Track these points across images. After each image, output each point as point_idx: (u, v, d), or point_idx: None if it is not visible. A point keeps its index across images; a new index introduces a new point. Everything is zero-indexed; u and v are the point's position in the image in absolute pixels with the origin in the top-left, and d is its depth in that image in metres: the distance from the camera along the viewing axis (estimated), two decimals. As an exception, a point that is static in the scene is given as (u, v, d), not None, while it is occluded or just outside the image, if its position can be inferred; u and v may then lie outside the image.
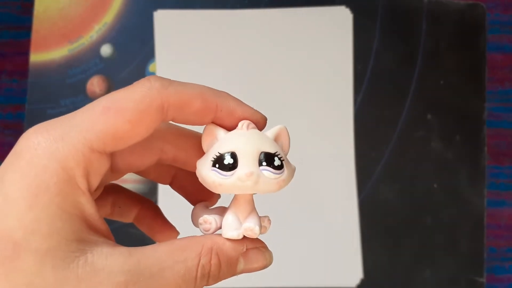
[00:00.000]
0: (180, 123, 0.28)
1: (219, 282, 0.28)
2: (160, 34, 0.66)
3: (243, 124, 0.28)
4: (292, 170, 0.28)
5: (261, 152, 0.26)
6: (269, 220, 0.29)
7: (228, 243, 0.27)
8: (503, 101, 0.69)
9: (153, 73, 0.65)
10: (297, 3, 0.67)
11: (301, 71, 0.66)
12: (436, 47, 0.66)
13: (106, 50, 0.66)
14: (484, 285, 0.62)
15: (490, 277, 0.65)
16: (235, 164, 0.26)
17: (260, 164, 0.26)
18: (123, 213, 0.34)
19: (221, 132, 0.28)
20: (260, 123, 0.29)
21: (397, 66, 0.66)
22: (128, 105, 0.26)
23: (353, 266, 0.62)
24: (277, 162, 0.27)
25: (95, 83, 0.65)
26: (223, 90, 0.28)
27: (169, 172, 0.34)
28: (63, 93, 0.65)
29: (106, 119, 0.25)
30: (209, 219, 0.28)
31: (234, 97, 0.29)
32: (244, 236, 0.28)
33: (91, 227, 0.25)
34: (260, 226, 0.27)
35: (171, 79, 0.27)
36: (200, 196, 0.33)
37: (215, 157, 0.27)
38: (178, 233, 0.35)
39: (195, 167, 0.28)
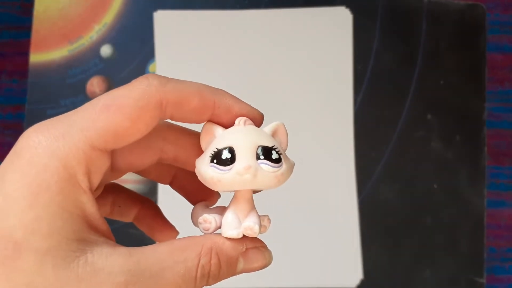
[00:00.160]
0: (178, 121, 0.28)
1: (219, 282, 0.28)
2: (160, 34, 0.66)
3: (240, 121, 0.28)
4: (291, 165, 0.28)
5: (258, 146, 0.26)
6: (268, 219, 0.29)
7: (228, 243, 0.27)
8: (503, 101, 0.69)
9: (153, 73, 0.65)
10: (297, 3, 0.67)
11: (301, 71, 0.66)
12: (436, 47, 0.66)
13: (106, 50, 0.66)
14: (484, 285, 0.62)
15: (490, 277, 0.65)
16: (233, 159, 0.26)
17: (258, 158, 0.26)
18: (123, 212, 0.34)
19: (218, 130, 0.28)
20: (257, 120, 0.29)
21: (397, 66, 0.66)
22: (127, 102, 0.26)
23: (353, 266, 0.62)
24: (274, 155, 0.27)
25: (95, 84, 0.65)
26: (220, 88, 0.29)
27: (169, 172, 0.34)
28: (63, 93, 0.65)
29: (106, 117, 0.25)
30: (208, 218, 0.28)
31: (231, 94, 0.29)
32: (244, 236, 0.28)
33: (92, 227, 0.25)
34: (260, 225, 0.27)
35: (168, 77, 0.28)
36: (200, 196, 0.33)
37: (213, 152, 0.27)
38: (177, 232, 0.35)
39: (195, 166, 0.28)
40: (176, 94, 0.27)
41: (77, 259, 0.24)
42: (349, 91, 0.65)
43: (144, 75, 0.27)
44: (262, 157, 0.26)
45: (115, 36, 0.66)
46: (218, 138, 0.27)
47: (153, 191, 0.62)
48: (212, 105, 0.28)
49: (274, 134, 0.28)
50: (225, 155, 0.26)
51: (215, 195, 0.34)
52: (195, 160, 0.29)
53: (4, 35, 0.70)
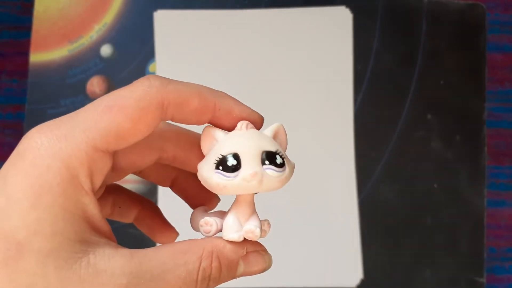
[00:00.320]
0: (179, 122, 0.28)
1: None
2: (160, 34, 0.66)
3: (242, 125, 0.28)
4: (292, 167, 0.28)
5: (263, 151, 0.27)
6: (269, 224, 0.29)
7: (228, 246, 0.27)
8: (503, 101, 0.69)
9: (153, 73, 0.65)
10: (297, 3, 0.67)
11: (301, 71, 0.66)
12: (436, 47, 0.66)
13: (106, 50, 0.66)
14: (484, 285, 0.62)
15: (490, 277, 0.65)
16: (239, 165, 0.26)
17: (263, 163, 0.26)
18: (124, 213, 0.34)
19: (220, 134, 0.28)
20: (258, 123, 0.29)
21: (397, 66, 0.66)
22: (129, 103, 0.26)
23: (353, 266, 0.62)
24: (279, 160, 0.27)
25: (95, 83, 0.65)
26: (221, 90, 0.29)
27: (169, 175, 0.34)
28: (63, 93, 0.65)
29: (108, 118, 0.26)
30: (210, 221, 0.28)
31: (231, 96, 0.29)
32: (244, 239, 0.28)
33: (94, 228, 0.25)
34: (261, 229, 0.28)
35: (171, 78, 0.28)
36: (200, 200, 0.33)
37: (218, 159, 0.27)
38: (177, 233, 0.35)
39: (195, 167, 0.28)
40: (177, 95, 0.27)
41: (79, 260, 0.24)
42: (349, 91, 0.65)
43: (146, 76, 0.27)
44: (267, 162, 0.26)
45: (115, 36, 0.66)
46: (220, 143, 0.27)
47: (153, 191, 0.62)
48: (213, 107, 0.28)
49: (274, 136, 0.28)
50: (231, 161, 0.26)
51: (214, 199, 0.34)
52: (194, 160, 0.29)
53: (4, 35, 0.70)
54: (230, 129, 0.28)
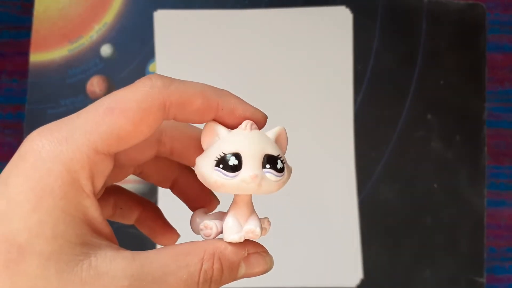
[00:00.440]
0: (181, 121, 0.28)
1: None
2: (160, 34, 0.66)
3: (246, 125, 0.27)
4: (290, 171, 0.28)
5: (265, 155, 0.27)
6: (268, 221, 0.29)
7: (230, 248, 0.27)
8: (503, 101, 0.69)
9: (153, 73, 0.65)
10: (297, 3, 0.67)
11: (301, 71, 0.66)
12: (436, 47, 0.66)
13: (106, 50, 0.66)
14: (484, 285, 0.62)
15: (490, 277, 0.65)
16: (239, 166, 0.26)
17: (264, 166, 0.26)
18: (125, 214, 0.34)
19: (222, 130, 0.28)
20: (261, 122, 0.29)
21: (397, 66, 0.66)
22: (130, 105, 0.26)
23: (353, 266, 0.62)
24: (279, 165, 0.27)
25: (95, 83, 0.65)
26: (224, 89, 0.28)
27: (170, 176, 0.34)
28: (63, 93, 0.65)
29: (109, 120, 0.25)
30: (209, 224, 0.28)
31: (235, 95, 0.29)
32: (245, 240, 0.28)
33: (95, 230, 0.25)
34: (261, 228, 0.28)
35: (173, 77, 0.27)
36: (200, 202, 0.33)
37: (219, 157, 0.26)
38: (178, 235, 0.35)
39: (192, 160, 0.28)
40: (179, 96, 0.27)
41: (81, 263, 0.24)
42: (349, 91, 0.65)
43: (147, 76, 0.27)
44: (268, 166, 0.26)
45: (115, 36, 0.66)
46: (223, 141, 0.27)
47: (153, 191, 0.62)
48: (216, 107, 0.28)
49: (276, 139, 0.28)
50: (232, 161, 0.26)
51: (214, 201, 0.34)
52: (191, 153, 0.29)
53: (4, 35, 0.70)
54: (233, 127, 0.28)
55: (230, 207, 0.28)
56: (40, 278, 0.23)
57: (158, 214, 0.35)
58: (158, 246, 0.27)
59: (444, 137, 0.65)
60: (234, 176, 0.26)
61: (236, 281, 0.29)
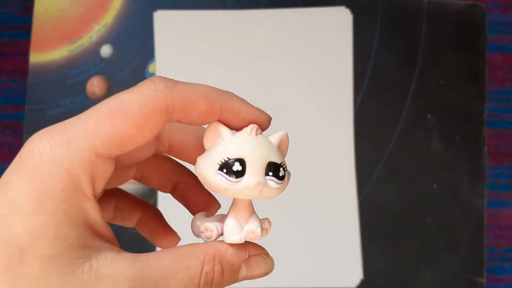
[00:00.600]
0: (184, 123, 0.28)
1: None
2: (160, 35, 0.66)
3: (252, 129, 0.27)
4: (289, 176, 0.28)
5: (269, 162, 0.27)
6: (269, 222, 0.29)
7: (230, 250, 0.27)
8: (503, 101, 0.69)
9: (153, 74, 0.65)
10: (297, 3, 0.67)
11: (301, 71, 0.66)
12: (436, 47, 0.66)
13: (106, 50, 0.66)
14: (484, 286, 0.62)
15: (490, 277, 0.65)
16: (243, 172, 0.26)
17: (267, 173, 0.26)
18: (125, 217, 0.34)
19: (226, 132, 0.28)
20: (265, 124, 0.29)
21: (397, 66, 0.66)
22: (133, 109, 0.26)
23: (353, 266, 0.62)
24: (282, 172, 0.27)
25: (95, 84, 0.65)
26: (228, 90, 0.28)
27: (170, 180, 0.34)
28: (63, 93, 0.65)
29: (111, 124, 0.25)
30: (210, 227, 0.28)
31: (239, 97, 0.28)
32: (246, 242, 0.28)
33: (96, 233, 0.25)
34: (262, 228, 0.28)
35: (174, 79, 0.27)
36: (200, 206, 0.33)
37: (223, 161, 0.26)
38: (179, 238, 0.35)
39: (190, 156, 0.28)
40: (182, 99, 0.26)
41: (82, 265, 0.24)
42: (349, 91, 0.65)
43: (150, 78, 0.27)
44: (270, 173, 0.27)
45: (115, 36, 0.66)
46: (227, 144, 0.27)
47: (153, 191, 0.62)
48: (219, 110, 0.27)
49: (279, 144, 0.28)
50: (236, 167, 0.26)
51: (215, 205, 0.34)
52: (188, 149, 0.29)
53: (4, 35, 0.70)
54: (237, 129, 0.28)
55: (230, 208, 0.28)
56: (41, 281, 0.23)
57: (158, 217, 0.35)
58: (158, 249, 0.27)
59: (444, 137, 0.65)
60: (237, 182, 0.26)
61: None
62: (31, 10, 0.66)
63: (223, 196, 0.27)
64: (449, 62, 0.66)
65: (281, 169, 0.27)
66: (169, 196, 0.35)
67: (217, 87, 0.28)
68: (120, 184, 0.32)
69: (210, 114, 0.27)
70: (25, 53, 0.66)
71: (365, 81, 0.65)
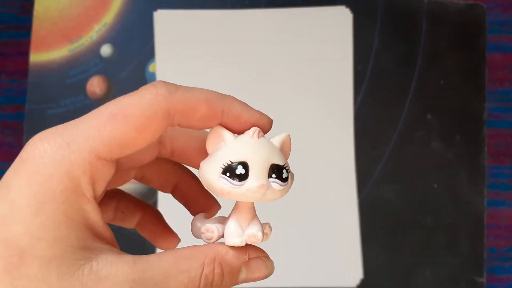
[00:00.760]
0: (186, 127, 0.28)
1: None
2: (160, 34, 0.66)
3: (254, 132, 0.27)
4: (293, 177, 0.28)
5: (272, 164, 0.27)
6: (270, 227, 0.29)
7: (231, 253, 0.27)
8: (503, 101, 0.69)
9: (153, 73, 0.65)
10: (297, 3, 0.67)
11: (301, 71, 0.66)
12: (436, 47, 0.66)
13: (106, 50, 0.66)
14: (484, 285, 0.62)
15: (490, 277, 0.65)
16: (246, 175, 0.26)
17: (270, 176, 0.27)
18: (126, 218, 0.34)
19: (228, 136, 0.28)
20: (267, 127, 0.29)
21: (397, 66, 0.66)
22: (134, 112, 0.26)
23: (353, 266, 0.62)
24: (285, 174, 0.27)
25: (95, 83, 0.65)
26: (229, 94, 0.28)
27: (171, 181, 0.34)
28: (63, 93, 0.65)
29: (112, 127, 0.25)
30: (211, 228, 0.28)
31: (240, 101, 0.28)
32: (246, 245, 0.28)
33: (96, 234, 0.25)
34: (263, 233, 0.28)
35: (174, 81, 0.27)
36: (200, 207, 0.33)
37: (226, 165, 0.26)
38: (179, 240, 0.36)
39: (192, 161, 0.28)
40: (184, 103, 0.26)
41: (82, 267, 0.24)
42: (349, 91, 0.65)
43: (152, 83, 0.27)
44: (274, 176, 0.27)
45: (115, 36, 0.66)
46: (229, 147, 0.27)
47: (153, 191, 0.62)
48: (221, 113, 0.27)
49: (281, 146, 0.28)
50: (239, 170, 0.26)
51: (215, 206, 0.34)
52: (191, 153, 0.29)
53: (4, 35, 0.70)
54: (238, 132, 0.28)
55: (232, 211, 0.28)
56: (41, 282, 0.23)
57: (159, 218, 0.35)
58: (158, 250, 0.27)
59: (444, 137, 0.65)
60: (240, 185, 0.26)
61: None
62: (31, 10, 0.66)
63: (226, 199, 0.28)
64: (449, 62, 0.66)
65: (284, 171, 0.27)
66: (169, 196, 0.35)
67: (217, 86, 0.28)
68: (121, 185, 0.32)
69: (212, 117, 0.27)
70: (25, 53, 0.66)
71: (365, 81, 0.66)
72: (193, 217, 0.31)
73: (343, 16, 0.66)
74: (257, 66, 0.66)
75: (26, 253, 0.23)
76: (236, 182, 0.26)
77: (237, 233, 0.27)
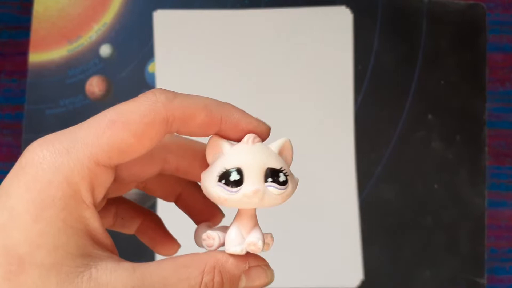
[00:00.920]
0: (184, 135, 0.28)
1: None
2: (159, 34, 0.66)
3: (248, 139, 0.28)
4: (296, 183, 0.28)
5: (267, 168, 0.27)
6: (272, 237, 0.29)
7: (231, 261, 0.27)
8: (504, 101, 0.69)
9: (152, 74, 0.65)
10: (297, 3, 0.66)
11: (301, 71, 0.66)
12: (436, 47, 0.66)
13: (105, 50, 0.66)
14: (485, 286, 0.62)
15: (491, 277, 0.65)
16: (241, 180, 0.26)
17: (266, 180, 0.26)
18: (126, 224, 0.34)
19: (226, 145, 0.28)
20: (265, 134, 0.29)
21: (397, 66, 0.66)
22: (133, 118, 0.26)
23: (353, 266, 0.62)
24: (282, 178, 0.27)
25: (94, 83, 0.65)
26: (229, 98, 0.29)
27: (174, 190, 0.34)
28: (62, 93, 0.65)
29: (111, 133, 0.25)
30: (212, 235, 0.28)
31: (238, 108, 0.29)
32: (247, 253, 0.28)
33: (96, 241, 0.25)
34: (263, 241, 0.28)
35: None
36: (204, 216, 0.33)
37: (221, 172, 0.27)
38: (179, 246, 0.36)
39: (198, 176, 0.28)
40: (182, 110, 0.27)
41: (81, 274, 0.24)
42: (349, 91, 0.65)
43: (151, 90, 0.27)
44: (270, 179, 0.27)
45: (114, 36, 0.66)
46: (225, 155, 0.27)
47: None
48: (219, 121, 0.28)
49: (280, 151, 0.28)
50: (234, 176, 0.26)
51: (219, 215, 0.34)
52: (197, 170, 0.29)
53: (4, 35, 0.70)
54: (237, 140, 0.28)
55: (234, 219, 0.28)
56: None
57: (159, 224, 0.35)
58: (159, 259, 0.27)
59: (444, 137, 0.65)
60: (236, 191, 0.26)
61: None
62: (31, 10, 0.66)
63: (229, 208, 0.28)
64: (449, 62, 0.66)
65: (281, 174, 0.27)
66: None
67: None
68: (122, 193, 0.32)
69: (210, 124, 0.28)
70: (24, 53, 0.66)
71: (365, 81, 0.65)
72: (196, 225, 0.31)
73: (343, 16, 0.66)
74: (257, 66, 0.66)
75: (25, 261, 0.23)
76: (232, 188, 0.26)
77: (237, 241, 0.27)
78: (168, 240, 0.35)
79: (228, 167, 0.27)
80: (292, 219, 0.63)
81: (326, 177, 0.64)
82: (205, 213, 0.34)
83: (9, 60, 0.69)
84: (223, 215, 0.34)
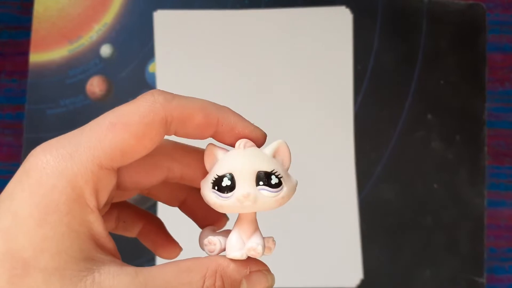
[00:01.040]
0: (182, 137, 0.28)
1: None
2: (160, 34, 0.66)
3: (240, 143, 0.28)
4: (293, 186, 0.28)
5: (258, 171, 0.27)
6: (273, 241, 0.29)
7: (232, 266, 0.28)
8: (504, 101, 0.69)
9: (153, 74, 0.65)
10: (297, 3, 0.67)
11: (301, 71, 0.66)
12: (436, 47, 0.66)
13: (105, 50, 0.66)
14: (484, 286, 0.62)
15: (490, 277, 0.65)
16: (233, 185, 0.27)
17: (258, 183, 0.27)
18: (128, 228, 0.34)
19: (220, 152, 0.28)
20: (260, 140, 0.29)
21: (397, 66, 0.66)
22: (133, 119, 0.26)
23: (353, 266, 0.62)
24: (274, 180, 0.27)
25: (94, 84, 0.65)
26: (226, 104, 0.29)
27: (178, 196, 0.34)
28: (63, 93, 0.65)
29: (112, 135, 0.26)
30: (213, 240, 0.29)
31: (235, 112, 0.29)
32: (248, 257, 0.28)
33: (99, 245, 0.26)
34: (263, 246, 0.28)
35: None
36: (209, 220, 0.34)
37: (214, 179, 0.27)
38: (181, 249, 0.36)
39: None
40: (181, 111, 0.27)
41: (84, 278, 0.24)
42: (349, 91, 0.65)
43: (149, 91, 0.27)
44: (261, 182, 0.27)
45: (115, 36, 0.66)
46: (219, 162, 0.28)
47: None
48: (216, 123, 0.28)
49: (275, 154, 0.28)
50: (225, 182, 0.27)
51: (223, 219, 0.34)
52: (201, 178, 0.29)
53: (4, 35, 0.70)
54: (232, 144, 0.29)
55: (235, 224, 0.29)
56: None
57: (160, 228, 0.36)
58: (161, 263, 0.27)
59: (444, 137, 0.65)
60: (229, 197, 0.27)
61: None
62: (31, 10, 0.66)
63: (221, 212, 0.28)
64: (449, 62, 0.66)
65: (272, 177, 0.27)
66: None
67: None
68: (125, 199, 0.32)
69: (207, 126, 0.28)
70: (25, 53, 0.66)
71: (365, 81, 0.65)
72: (200, 229, 0.31)
73: (343, 16, 0.66)
74: (257, 66, 0.66)
75: (29, 265, 0.24)
76: (224, 194, 0.27)
77: (238, 246, 0.28)
78: (170, 243, 0.36)
79: (220, 174, 0.27)
80: (292, 219, 0.63)
81: (326, 177, 0.64)
82: (209, 218, 0.34)
83: (10, 60, 0.69)
84: (227, 219, 0.35)
